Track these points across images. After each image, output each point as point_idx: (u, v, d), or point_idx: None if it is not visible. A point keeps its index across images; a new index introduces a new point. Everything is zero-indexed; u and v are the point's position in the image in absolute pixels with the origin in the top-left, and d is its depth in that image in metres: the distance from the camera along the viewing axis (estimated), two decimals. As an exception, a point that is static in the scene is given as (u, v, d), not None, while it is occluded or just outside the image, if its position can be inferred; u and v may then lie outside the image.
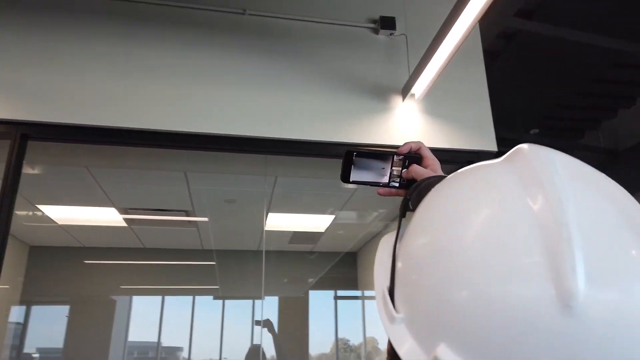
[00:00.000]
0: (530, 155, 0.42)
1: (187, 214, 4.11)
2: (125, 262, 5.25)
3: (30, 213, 3.91)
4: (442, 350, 0.37)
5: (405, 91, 2.78)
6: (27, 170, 3.15)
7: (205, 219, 4.32)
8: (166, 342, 5.44)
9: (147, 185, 3.63)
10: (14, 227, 4.47)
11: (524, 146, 0.44)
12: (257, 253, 4.51)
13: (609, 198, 0.41)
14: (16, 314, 5.05)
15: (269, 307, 5.29)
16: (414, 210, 0.54)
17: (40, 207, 3.79)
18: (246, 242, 4.89)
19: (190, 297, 5.54)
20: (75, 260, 5.19)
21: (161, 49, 2.63)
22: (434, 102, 2.83)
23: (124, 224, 4.24)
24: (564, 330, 0.34)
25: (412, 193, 0.63)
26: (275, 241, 4.82)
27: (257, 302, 4.93)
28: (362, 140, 2.67)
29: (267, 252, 3.87)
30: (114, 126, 2.46)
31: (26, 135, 2.41)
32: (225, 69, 2.67)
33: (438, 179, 0.56)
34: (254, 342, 4.80)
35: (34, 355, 5.27)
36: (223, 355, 5.15)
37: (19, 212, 4.01)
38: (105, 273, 5.21)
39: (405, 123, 2.78)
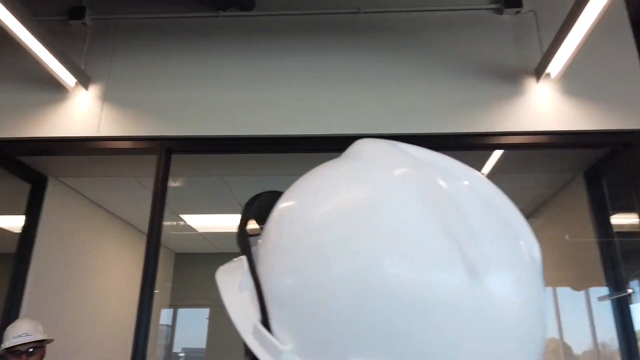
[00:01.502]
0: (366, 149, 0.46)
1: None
2: None
3: (175, 223, 4.30)
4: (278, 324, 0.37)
5: (539, 72, 2.53)
6: (170, 182, 3.48)
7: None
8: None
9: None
10: (162, 236, 4.96)
11: (361, 142, 0.47)
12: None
13: (485, 197, 0.42)
14: (165, 316, 5.60)
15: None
16: (261, 224, 0.50)
17: (183, 216, 4.15)
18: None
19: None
20: (214, 266, 5.60)
21: (287, 58, 2.71)
22: (574, 81, 2.54)
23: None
24: (472, 303, 0.36)
25: (249, 212, 0.53)
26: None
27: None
28: (494, 128, 2.49)
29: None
30: (247, 135, 2.59)
31: (170, 149, 2.65)
32: (345, 68, 2.68)
33: (273, 193, 0.51)
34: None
35: (180, 355, 5.77)
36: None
37: (165, 222, 4.45)
38: None
39: (542, 106, 2.53)
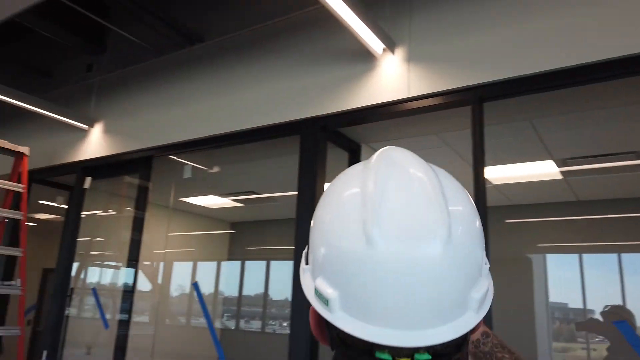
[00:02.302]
0: (377, 153, 0.64)
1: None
2: (545, 219, 5.00)
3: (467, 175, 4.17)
4: (319, 281, 0.59)
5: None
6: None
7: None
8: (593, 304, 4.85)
9: (588, 129, 3.24)
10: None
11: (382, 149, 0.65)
12: None
13: (419, 179, 0.58)
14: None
15: None
16: None
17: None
18: None
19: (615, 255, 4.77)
20: (495, 220, 5.31)
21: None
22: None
23: (560, 177, 3.99)
24: (361, 259, 0.55)
25: None
26: None
27: None
28: None
29: None
30: (559, 68, 2.22)
31: (483, 97, 2.49)
32: None
33: None
34: None
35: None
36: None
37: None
38: (524, 231, 5.10)
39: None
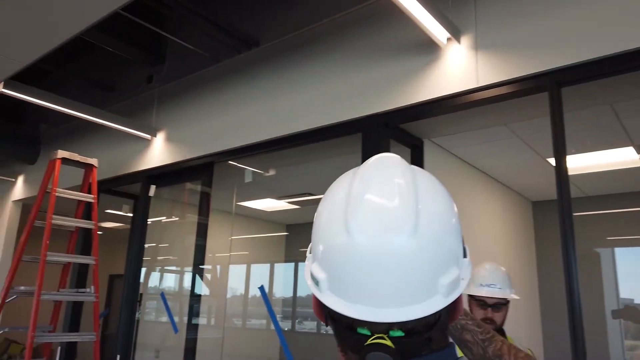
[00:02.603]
0: (369, 160, 0.74)
1: None
2: (616, 211, 4.66)
3: (538, 166, 3.96)
4: (314, 266, 0.70)
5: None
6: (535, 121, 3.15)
7: None
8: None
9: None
10: (517, 183, 4.67)
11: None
12: None
13: (396, 182, 0.67)
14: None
15: None
16: None
17: (550, 160, 3.78)
18: None
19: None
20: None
21: None
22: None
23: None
24: (343, 248, 0.65)
25: None
26: None
27: None
28: None
29: None
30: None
31: (561, 82, 2.33)
32: None
33: None
34: None
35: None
36: None
37: (524, 169, 4.16)
38: (593, 223, 4.78)
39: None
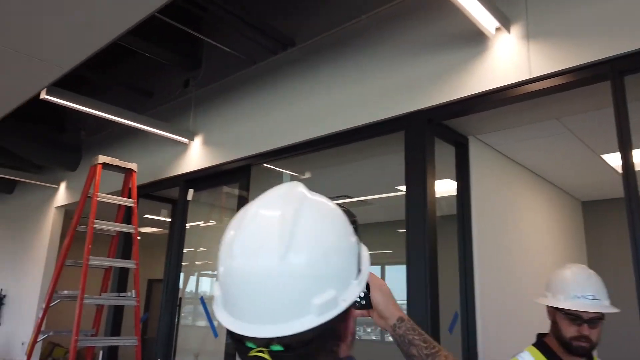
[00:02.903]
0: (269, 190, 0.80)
1: None
2: None
3: (591, 163, 3.74)
4: (215, 284, 0.77)
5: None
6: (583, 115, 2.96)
7: None
8: None
9: None
10: (564, 181, 4.43)
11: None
12: None
13: (280, 209, 0.74)
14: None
15: None
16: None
17: (605, 157, 3.56)
18: None
19: None
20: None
21: None
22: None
23: None
24: (228, 270, 0.72)
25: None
26: None
27: None
28: None
29: None
30: None
31: (622, 70, 2.16)
32: None
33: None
34: None
35: None
36: None
37: (577, 165, 3.94)
38: None
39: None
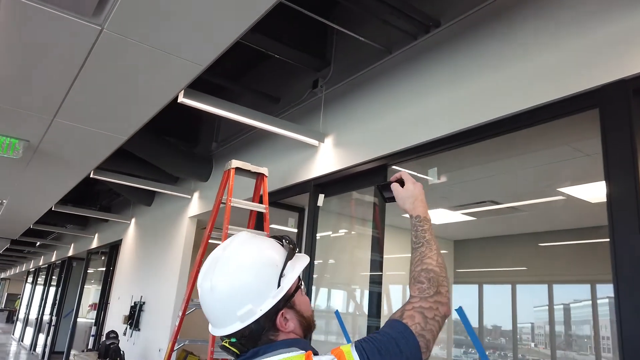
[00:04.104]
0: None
1: None
2: None
3: None
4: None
5: None
6: None
7: None
8: None
9: None
10: None
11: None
12: None
13: (216, 255, 1.17)
14: None
15: None
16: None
17: None
18: None
19: None
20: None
21: None
22: None
23: None
24: (201, 292, 1.15)
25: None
26: None
27: None
28: None
29: None
30: None
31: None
32: None
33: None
34: None
35: None
36: None
37: None
38: None
39: None
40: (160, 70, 2.92)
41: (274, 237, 1.21)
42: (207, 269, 1.13)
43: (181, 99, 3.29)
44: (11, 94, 3.44)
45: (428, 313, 1.05)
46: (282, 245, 1.17)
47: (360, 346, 0.99)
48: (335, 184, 3.94)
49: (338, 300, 4.61)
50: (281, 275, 1.10)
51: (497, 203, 4.47)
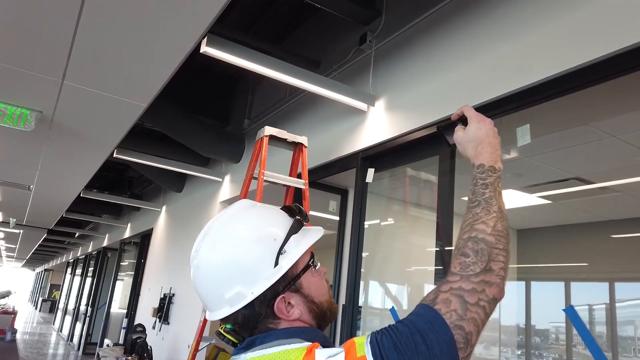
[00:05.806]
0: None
1: None
2: None
3: None
4: None
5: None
6: None
7: None
8: None
9: None
10: None
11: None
12: None
13: (207, 229, 1.00)
14: None
15: None
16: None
17: None
18: None
19: None
20: None
21: None
22: None
23: None
24: (192, 269, 0.98)
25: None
26: None
27: None
28: None
29: None
30: None
31: None
32: None
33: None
34: None
35: None
36: None
37: None
38: None
39: None
40: (173, 12, 2.35)
41: (286, 207, 1.02)
42: (196, 244, 0.99)
43: (204, 49, 2.72)
44: (10, 47, 2.96)
45: (469, 297, 0.80)
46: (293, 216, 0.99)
47: (375, 339, 0.79)
48: (387, 155, 3.29)
49: (399, 296, 3.96)
50: (280, 252, 0.92)
51: (583, 180, 3.67)
